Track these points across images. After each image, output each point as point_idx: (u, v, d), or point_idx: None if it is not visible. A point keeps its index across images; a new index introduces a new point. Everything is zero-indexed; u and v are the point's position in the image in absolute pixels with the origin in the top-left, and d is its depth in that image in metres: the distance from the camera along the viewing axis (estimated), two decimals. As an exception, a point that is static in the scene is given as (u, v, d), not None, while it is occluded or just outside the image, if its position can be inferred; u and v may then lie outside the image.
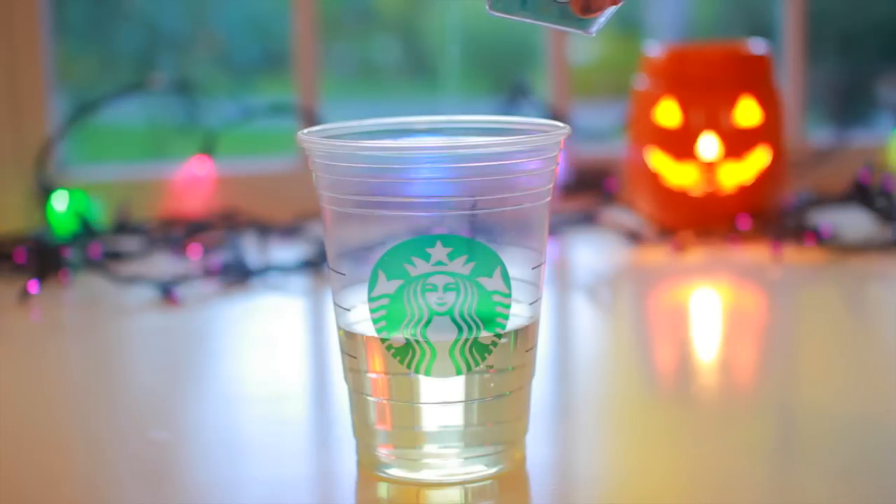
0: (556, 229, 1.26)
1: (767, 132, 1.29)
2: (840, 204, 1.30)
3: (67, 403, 0.82)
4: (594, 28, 0.62)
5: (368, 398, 0.64)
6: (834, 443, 0.71)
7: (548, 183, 0.63)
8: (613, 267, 1.20)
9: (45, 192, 1.29)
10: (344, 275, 0.63)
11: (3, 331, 1.00)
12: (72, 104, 1.42)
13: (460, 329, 0.61)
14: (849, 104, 1.77)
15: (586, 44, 1.74)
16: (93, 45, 1.56)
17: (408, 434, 0.63)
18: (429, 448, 0.63)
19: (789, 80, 1.58)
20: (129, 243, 1.25)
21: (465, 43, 1.78)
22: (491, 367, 0.62)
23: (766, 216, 1.28)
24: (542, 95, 1.52)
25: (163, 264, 1.18)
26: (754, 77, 1.29)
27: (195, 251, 1.19)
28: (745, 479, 0.65)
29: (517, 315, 0.63)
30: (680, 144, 1.28)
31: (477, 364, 0.62)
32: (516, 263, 0.62)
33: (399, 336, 0.61)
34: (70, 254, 1.17)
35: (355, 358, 0.64)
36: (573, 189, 1.42)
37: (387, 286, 0.61)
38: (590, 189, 1.42)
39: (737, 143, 1.27)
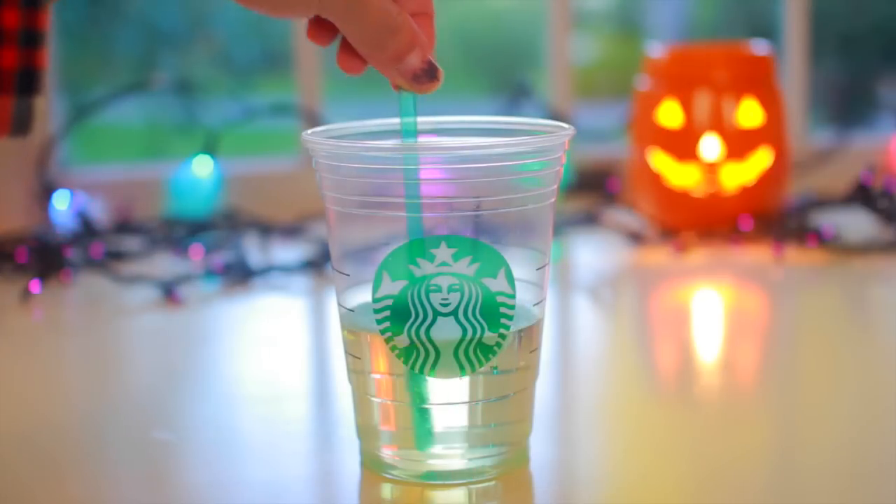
0: (557, 229, 1.26)
1: (769, 133, 1.28)
2: (842, 205, 1.30)
3: (68, 403, 0.82)
4: None
5: (372, 399, 0.64)
6: (836, 445, 0.71)
7: (552, 184, 0.63)
8: (615, 267, 1.20)
9: (47, 192, 1.29)
10: (348, 276, 0.63)
11: (5, 330, 0.99)
12: (72, 105, 1.42)
13: (465, 330, 0.61)
14: (850, 105, 1.77)
15: (588, 45, 1.75)
16: (92, 46, 1.56)
17: (412, 435, 0.63)
18: (432, 449, 0.63)
19: (791, 81, 1.58)
20: (130, 243, 1.25)
21: (466, 43, 1.78)
22: (495, 367, 0.62)
23: (768, 217, 1.28)
24: (544, 96, 1.52)
25: (164, 264, 1.17)
26: (756, 78, 1.29)
27: (197, 251, 1.19)
28: (747, 481, 0.65)
29: (521, 316, 0.62)
30: (682, 145, 1.28)
31: (481, 365, 0.61)
32: (521, 264, 0.62)
33: (403, 337, 0.61)
34: (71, 253, 1.17)
35: (359, 359, 0.64)
36: (575, 189, 1.42)
37: (391, 287, 0.61)
38: (592, 189, 1.42)
39: (739, 144, 1.27)
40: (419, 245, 0.60)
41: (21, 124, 0.49)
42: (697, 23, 1.88)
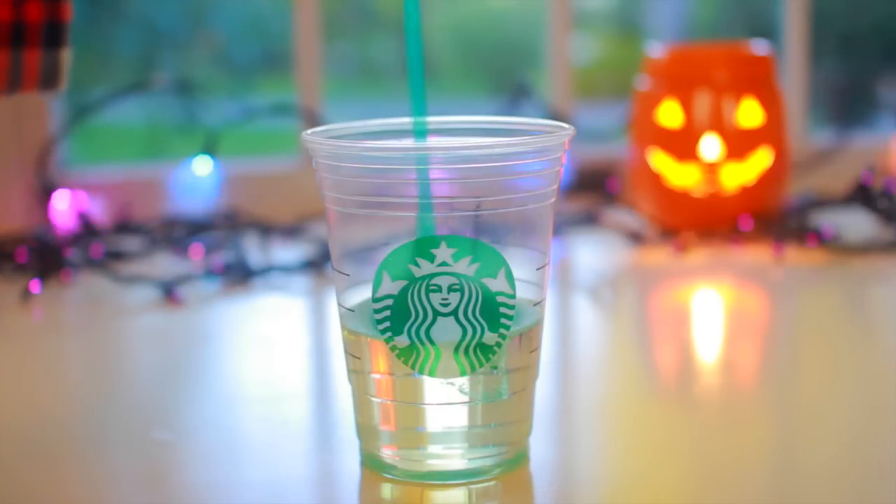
0: (558, 230, 1.26)
1: (769, 133, 1.28)
2: (842, 205, 1.30)
3: (68, 403, 0.82)
4: None
5: (372, 399, 0.64)
6: (836, 445, 0.71)
7: (552, 184, 0.63)
8: (615, 267, 1.20)
9: (47, 192, 1.29)
10: (348, 276, 0.63)
11: (5, 330, 0.99)
12: (72, 105, 1.42)
13: (465, 330, 0.61)
14: (850, 105, 1.77)
15: (588, 45, 1.75)
16: (92, 46, 1.56)
17: (412, 435, 0.63)
18: (433, 449, 0.63)
19: (791, 81, 1.58)
20: (130, 243, 1.25)
21: (466, 43, 1.78)
22: (495, 367, 0.62)
23: (768, 217, 1.28)
24: (544, 96, 1.52)
25: (164, 264, 1.17)
26: (756, 78, 1.29)
27: (197, 251, 1.19)
28: (747, 480, 0.65)
29: (521, 316, 0.62)
30: (682, 145, 1.28)
31: (481, 365, 0.61)
32: (520, 264, 0.62)
33: (403, 337, 0.61)
34: (71, 253, 1.17)
35: (359, 359, 0.64)
36: (575, 189, 1.42)
37: (391, 287, 0.61)
38: (592, 189, 1.42)
39: (739, 144, 1.27)
40: (419, 245, 0.60)
41: (50, 77, 0.49)
42: (697, 23, 1.88)
